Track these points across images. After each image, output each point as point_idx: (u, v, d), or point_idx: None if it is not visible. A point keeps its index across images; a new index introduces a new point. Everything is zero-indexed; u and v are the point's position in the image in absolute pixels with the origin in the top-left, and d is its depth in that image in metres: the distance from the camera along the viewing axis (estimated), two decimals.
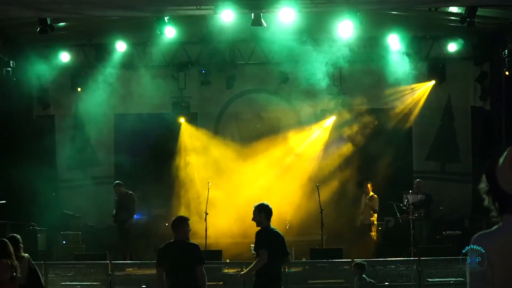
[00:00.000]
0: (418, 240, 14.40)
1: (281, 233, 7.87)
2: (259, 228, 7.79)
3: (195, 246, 7.70)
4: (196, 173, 16.21)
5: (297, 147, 16.90)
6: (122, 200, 14.65)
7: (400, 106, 17.01)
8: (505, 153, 2.88)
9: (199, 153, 16.60)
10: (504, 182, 2.81)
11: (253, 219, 7.78)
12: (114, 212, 14.64)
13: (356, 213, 15.53)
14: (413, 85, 16.71)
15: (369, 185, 15.37)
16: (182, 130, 16.97)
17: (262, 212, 7.74)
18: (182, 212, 13.89)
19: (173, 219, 7.77)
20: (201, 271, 7.40)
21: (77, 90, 16.72)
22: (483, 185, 2.93)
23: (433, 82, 16.74)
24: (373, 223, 15.24)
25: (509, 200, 2.79)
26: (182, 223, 7.63)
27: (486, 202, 2.92)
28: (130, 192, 14.78)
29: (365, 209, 15.31)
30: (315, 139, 16.98)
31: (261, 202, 7.86)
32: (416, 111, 17.19)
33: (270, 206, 7.82)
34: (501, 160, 2.88)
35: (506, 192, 2.79)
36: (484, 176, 2.94)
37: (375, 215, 15.30)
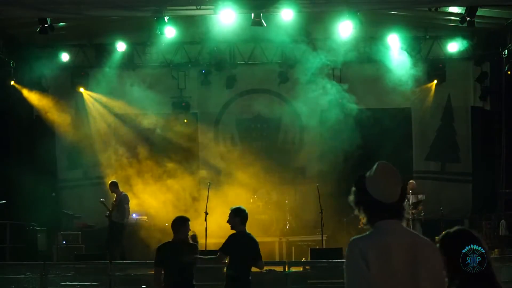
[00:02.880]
0: None
1: (254, 238, 7.88)
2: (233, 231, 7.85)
3: (194, 246, 7.71)
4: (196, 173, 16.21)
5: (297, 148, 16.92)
6: (116, 200, 14.49)
7: (400, 106, 17.02)
8: (375, 166, 3.23)
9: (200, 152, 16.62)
10: (376, 192, 3.17)
11: (228, 222, 7.84)
12: (108, 212, 14.32)
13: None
14: (413, 85, 16.70)
15: None
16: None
17: (237, 216, 7.78)
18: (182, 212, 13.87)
19: (173, 219, 7.76)
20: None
21: (77, 90, 16.72)
22: (351, 198, 3.32)
23: (435, 81, 16.75)
24: None
25: (380, 208, 3.16)
26: (183, 223, 7.63)
27: (356, 212, 3.30)
28: (124, 192, 14.63)
29: None
30: (315, 139, 16.97)
31: (238, 206, 7.91)
32: (416, 111, 17.21)
33: (247, 211, 7.86)
34: (371, 173, 3.22)
35: (378, 201, 3.15)
36: (353, 189, 3.30)
37: None
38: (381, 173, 3.21)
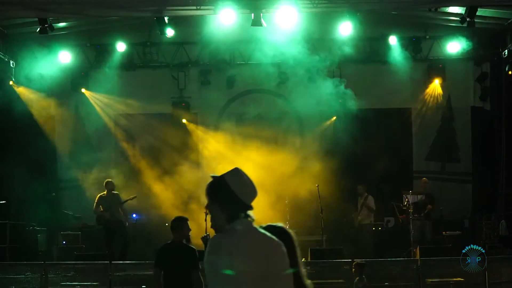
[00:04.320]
0: (419, 240, 14.37)
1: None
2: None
3: (192, 250, 7.63)
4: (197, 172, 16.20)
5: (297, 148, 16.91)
6: (111, 199, 14.36)
7: (400, 106, 17.04)
8: (236, 169, 3.47)
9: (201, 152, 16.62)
10: (241, 192, 3.39)
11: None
12: (103, 211, 14.20)
13: (354, 215, 15.53)
14: (413, 85, 16.72)
15: (360, 187, 15.39)
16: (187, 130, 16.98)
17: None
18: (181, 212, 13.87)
19: (172, 219, 7.74)
20: (196, 275, 7.38)
21: (77, 90, 16.72)
22: (209, 195, 3.46)
23: (435, 81, 16.76)
24: (372, 223, 15.27)
25: (242, 208, 3.38)
26: (182, 223, 7.61)
27: (214, 215, 3.44)
28: (117, 192, 14.52)
29: (362, 210, 15.35)
30: (315, 139, 16.98)
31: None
32: (416, 111, 17.22)
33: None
34: (234, 174, 3.44)
35: (241, 200, 3.38)
36: (213, 188, 3.45)
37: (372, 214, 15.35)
38: (245, 175, 3.46)
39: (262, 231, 3.44)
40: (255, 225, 3.43)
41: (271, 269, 3.30)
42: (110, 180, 14.48)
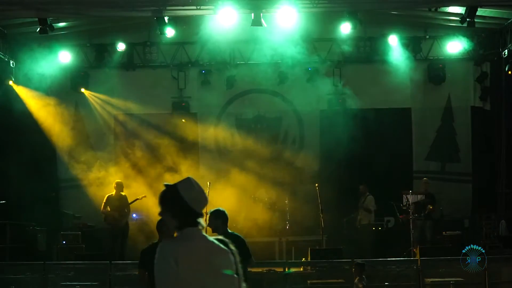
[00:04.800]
0: (419, 240, 14.37)
1: (241, 236, 7.91)
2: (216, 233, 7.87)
3: None
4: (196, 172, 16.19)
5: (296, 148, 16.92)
6: (120, 200, 14.52)
7: (400, 106, 17.03)
8: (188, 178, 3.63)
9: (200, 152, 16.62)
10: (193, 201, 3.55)
11: (208, 225, 7.84)
12: (111, 211, 14.34)
13: (355, 215, 15.54)
14: (413, 85, 16.72)
15: (362, 186, 15.40)
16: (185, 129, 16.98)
17: (219, 219, 7.81)
18: None
19: (157, 221, 7.68)
20: None
21: (77, 90, 16.72)
22: (163, 203, 3.61)
23: (435, 81, 16.76)
24: (371, 223, 15.27)
25: (192, 216, 3.55)
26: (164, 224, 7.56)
27: (166, 222, 3.62)
28: (125, 194, 14.74)
29: (361, 210, 15.36)
30: (315, 139, 16.98)
31: (216, 208, 7.96)
32: (416, 111, 17.21)
33: (226, 212, 7.92)
34: (186, 183, 3.60)
35: (191, 209, 3.55)
36: (162, 202, 3.61)
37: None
38: (197, 184, 3.63)
39: (211, 238, 3.62)
40: (204, 233, 3.62)
41: (217, 276, 3.50)
42: (120, 181, 14.76)
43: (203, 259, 3.49)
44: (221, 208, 7.97)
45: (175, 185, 3.61)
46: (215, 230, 7.80)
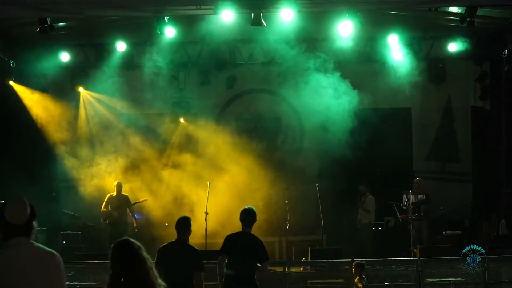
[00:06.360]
0: (417, 240, 14.38)
1: (256, 237, 8.09)
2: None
3: (195, 251, 7.63)
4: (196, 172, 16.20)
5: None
6: (120, 200, 14.59)
7: (400, 106, 17.03)
8: (12, 198, 4.39)
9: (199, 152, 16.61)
10: (8, 216, 4.23)
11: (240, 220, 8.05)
12: (112, 210, 14.42)
13: (355, 215, 15.55)
14: (413, 85, 16.70)
15: (362, 186, 15.40)
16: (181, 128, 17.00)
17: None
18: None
19: (177, 219, 7.75)
20: (198, 277, 7.38)
21: (77, 89, 16.73)
22: None
23: (434, 81, 16.75)
24: (371, 223, 15.27)
25: (11, 228, 4.26)
26: (186, 223, 7.62)
27: None
28: (126, 194, 14.85)
29: (361, 210, 15.37)
30: (315, 139, 16.97)
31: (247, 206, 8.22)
32: (416, 111, 17.22)
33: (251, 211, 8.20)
34: (6, 204, 4.33)
35: (9, 223, 4.23)
36: None
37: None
38: (11, 202, 4.32)
39: (37, 245, 4.29)
40: (32, 241, 4.29)
41: (42, 279, 4.06)
42: (120, 181, 14.88)
43: (28, 265, 4.05)
44: (247, 207, 8.34)
45: (3, 202, 4.30)
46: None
